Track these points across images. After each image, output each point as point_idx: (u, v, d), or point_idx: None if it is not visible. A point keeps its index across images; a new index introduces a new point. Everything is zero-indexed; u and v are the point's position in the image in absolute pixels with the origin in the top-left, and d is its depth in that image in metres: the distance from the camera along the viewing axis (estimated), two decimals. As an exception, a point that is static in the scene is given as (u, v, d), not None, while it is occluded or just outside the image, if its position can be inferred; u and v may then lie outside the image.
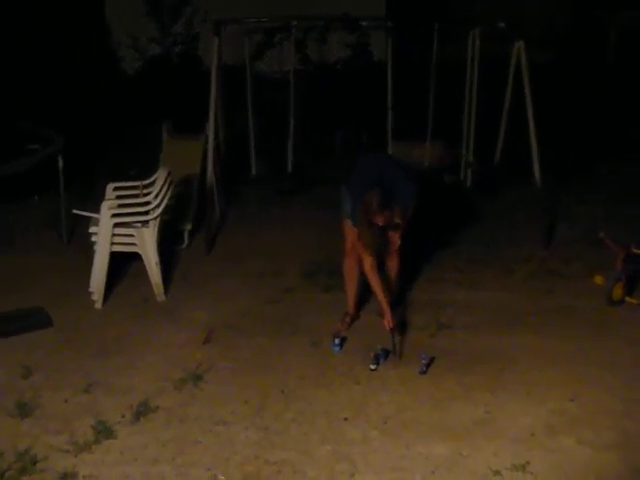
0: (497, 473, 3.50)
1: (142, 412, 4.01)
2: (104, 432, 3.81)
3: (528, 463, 3.56)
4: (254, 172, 9.31)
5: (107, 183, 6.08)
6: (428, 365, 4.50)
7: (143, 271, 5.64)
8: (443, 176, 8.75)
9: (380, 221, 4.68)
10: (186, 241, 6.85)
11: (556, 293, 5.74)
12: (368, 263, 4.85)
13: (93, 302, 5.48)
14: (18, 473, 3.50)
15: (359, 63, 10.59)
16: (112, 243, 5.48)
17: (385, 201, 4.63)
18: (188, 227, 6.84)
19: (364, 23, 9.33)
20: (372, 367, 4.51)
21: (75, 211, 5.92)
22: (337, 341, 4.78)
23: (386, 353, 4.62)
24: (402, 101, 8.86)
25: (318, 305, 5.56)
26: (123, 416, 3.99)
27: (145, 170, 6.26)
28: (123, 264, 5.96)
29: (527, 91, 6.99)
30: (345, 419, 3.98)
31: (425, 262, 6.36)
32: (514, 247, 6.75)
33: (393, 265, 5.29)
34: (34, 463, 3.57)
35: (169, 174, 5.83)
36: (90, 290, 5.52)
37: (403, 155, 8.98)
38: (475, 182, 8.64)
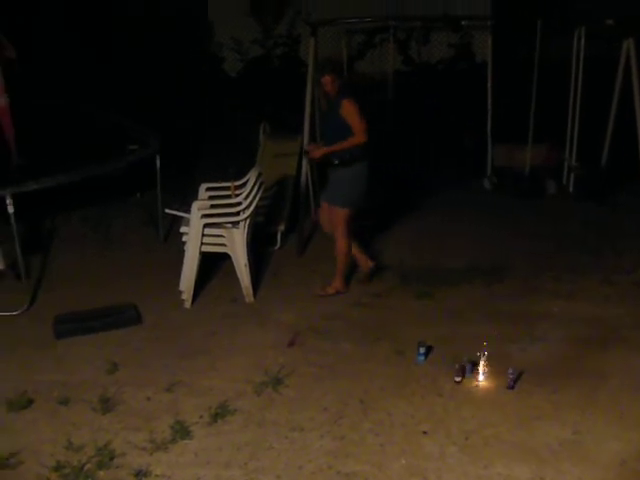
0: (581, 501, 3.30)
1: (220, 414, 4.03)
2: (181, 432, 3.85)
3: (616, 492, 3.35)
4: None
5: (204, 182, 6.17)
6: (516, 380, 4.31)
7: (233, 271, 5.68)
8: (545, 182, 8.41)
9: (326, 83, 5.50)
10: (279, 242, 6.85)
11: (660, 308, 5.39)
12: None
13: (183, 301, 5.56)
14: (96, 467, 3.59)
15: (461, 63, 10.34)
16: (202, 243, 5.54)
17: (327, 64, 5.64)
18: (281, 228, 6.85)
19: (464, 22, 9.09)
20: (457, 379, 4.36)
21: (168, 210, 6.04)
22: (422, 350, 4.64)
23: (472, 365, 4.44)
24: (506, 102, 8.60)
25: (407, 311, 5.45)
26: (201, 417, 4.01)
27: (244, 170, 6.30)
28: (214, 264, 6.03)
29: (636, 91, 6.61)
30: (424, 432, 3.85)
31: (522, 270, 6.13)
32: (617, 257, 6.39)
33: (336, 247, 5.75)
34: (111, 458, 3.65)
35: (260, 175, 5.85)
36: (180, 289, 5.60)
37: (505, 158, 8.75)
38: (579, 187, 8.25)
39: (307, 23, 7.55)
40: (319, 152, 5.70)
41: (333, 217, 5.71)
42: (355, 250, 5.95)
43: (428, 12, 9.65)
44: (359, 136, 5.42)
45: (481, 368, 4.38)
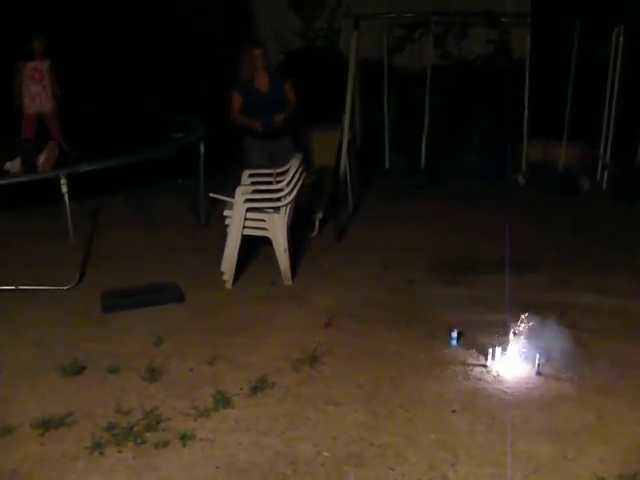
0: (602, 480, 3.46)
1: (259, 387, 4.24)
2: (222, 402, 4.07)
3: (637, 474, 3.47)
4: (387, 165, 9.42)
5: (243, 170, 6.40)
6: (543, 365, 4.46)
7: (272, 255, 5.90)
8: (579, 179, 8.51)
9: (259, 55, 6.46)
10: (317, 229, 7.06)
11: (690, 305, 5.50)
12: None
13: (224, 282, 5.80)
14: (144, 429, 3.83)
15: (499, 60, 10.41)
16: (244, 227, 5.77)
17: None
18: (319, 216, 7.05)
19: (504, 19, 9.19)
20: (486, 364, 4.53)
21: (212, 195, 6.28)
22: (454, 335, 4.82)
23: (501, 351, 4.60)
24: (542, 99, 8.70)
25: (439, 298, 5.61)
26: (241, 389, 4.24)
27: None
28: (254, 248, 6.26)
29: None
30: (453, 411, 4.03)
31: (552, 263, 6.27)
32: (649, 254, 6.50)
33: None
34: (158, 422, 3.89)
35: (302, 163, 6.05)
36: (221, 270, 5.84)
37: (539, 154, 8.86)
38: (612, 185, 8.34)
39: (351, 16, 7.72)
40: (282, 117, 6.55)
41: None
42: None
43: (467, 8, 9.75)
44: (294, 107, 6.66)
45: (510, 354, 4.56)
